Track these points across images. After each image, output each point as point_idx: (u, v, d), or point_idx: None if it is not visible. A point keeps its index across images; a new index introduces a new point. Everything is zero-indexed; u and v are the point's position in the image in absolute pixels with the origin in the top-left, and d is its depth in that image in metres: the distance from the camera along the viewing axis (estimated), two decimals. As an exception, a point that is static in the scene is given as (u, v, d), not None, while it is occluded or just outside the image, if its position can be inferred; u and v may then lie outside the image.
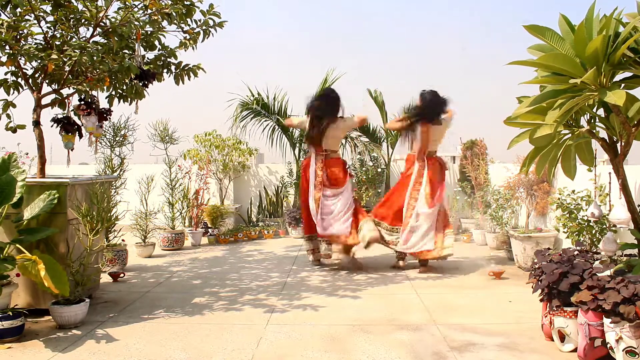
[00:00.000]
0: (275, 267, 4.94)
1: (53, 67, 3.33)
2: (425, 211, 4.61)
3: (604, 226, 3.53)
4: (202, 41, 4.05)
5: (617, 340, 2.27)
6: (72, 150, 3.95)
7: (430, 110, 4.73)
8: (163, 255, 5.62)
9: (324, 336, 2.94)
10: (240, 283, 4.29)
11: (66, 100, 3.90)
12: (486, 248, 5.99)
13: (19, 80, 3.63)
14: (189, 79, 4.15)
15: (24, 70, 3.53)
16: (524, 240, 4.60)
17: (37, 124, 3.57)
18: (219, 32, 4.07)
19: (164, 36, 3.97)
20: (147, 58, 3.98)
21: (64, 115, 3.91)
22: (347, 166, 5.13)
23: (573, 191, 3.90)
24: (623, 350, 2.25)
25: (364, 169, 7.26)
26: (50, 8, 3.40)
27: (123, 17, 3.44)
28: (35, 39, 3.52)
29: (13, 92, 3.65)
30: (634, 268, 2.56)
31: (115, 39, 3.46)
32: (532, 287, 2.85)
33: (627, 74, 2.57)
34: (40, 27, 3.44)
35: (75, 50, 3.24)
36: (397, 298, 3.80)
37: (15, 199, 2.96)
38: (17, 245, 2.94)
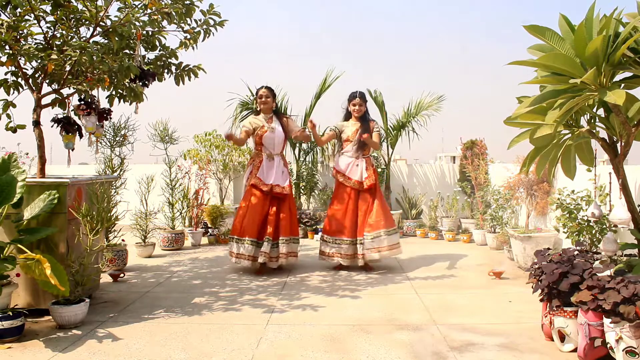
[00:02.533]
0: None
1: (53, 67, 3.33)
2: None
3: (604, 226, 3.53)
4: (203, 41, 4.05)
5: (617, 340, 2.27)
6: (72, 150, 3.95)
7: None
8: (163, 255, 5.62)
9: (324, 336, 2.94)
10: (240, 283, 4.29)
11: (66, 100, 3.90)
12: (486, 248, 5.99)
13: (19, 80, 3.63)
14: (189, 79, 4.15)
15: (24, 70, 3.52)
16: (524, 240, 4.60)
17: (37, 124, 3.57)
18: (219, 32, 4.08)
19: (165, 37, 3.97)
20: (148, 58, 3.98)
21: (64, 115, 3.91)
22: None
23: (573, 191, 3.90)
24: (623, 350, 2.25)
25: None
26: (50, 8, 3.39)
27: (124, 17, 3.44)
28: (35, 39, 3.52)
29: (13, 92, 3.65)
30: (634, 268, 2.56)
31: (116, 39, 3.45)
32: (532, 287, 2.85)
33: (627, 74, 2.57)
34: (40, 27, 3.43)
35: (75, 50, 3.23)
36: (397, 298, 3.80)
37: (15, 199, 2.96)
38: (19, 245, 2.94)
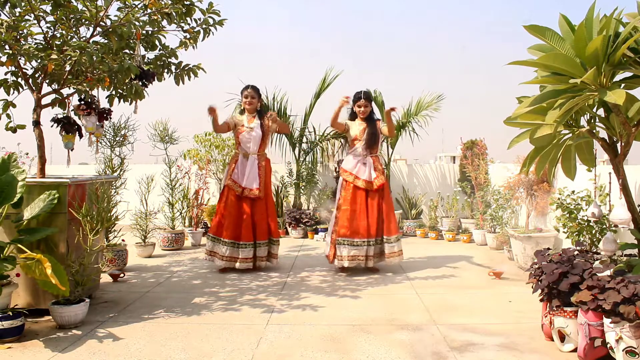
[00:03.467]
0: (274, 266, 4.94)
1: (53, 67, 3.33)
2: None
3: (604, 226, 3.53)
4: (203, 40, 4.05)
5: (617, 340, 2.27)
6: (72, 150, 3.95)
7: None
8: (163, 255, 5.62)
9: (324, 336, 2.94)
10: (240, 283, 4.29)
11: (66, 100, 3.90)
12: (486, 248, 5.99)
13: (19, 80, 3.63)
14: (189, 79, 4.15)
15: (24, 70, 3.52)
16: (524, 240, 4.60)
17: (37, 124, 3.57)
18: (219, 32, 4.08)
19: (164, 37, 3.97)
20: (148, 58, 3.98)
21: (64, 115, 3.91)
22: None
23: (573, 191, 3.90)
24: (623, 350, 2.25)
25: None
26: (50, 8, 3.39)
27: (123, 17, 3.44)
28: (35, 39, 3.52)
29: (13, 92, 3.65)
30: (634, 268, 2.56)
31: (115, 39, 3.45)
32: (532, 287, 2.85)
33: (627, 74, 2.57)
34: (40, 27, 3.43)
35: (75, 50, 3.23)
36: (397, 298, 3.80)
37: (15, 199, 2.96)
38: (19, 245, 2.94)
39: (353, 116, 4.88)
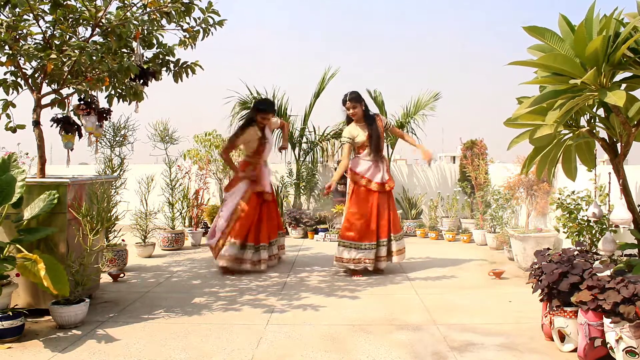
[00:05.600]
0: (274, 266, 4.94)
1: (52, 67, 3.33)
2: None
3: (604, 226, 3.53)
4: (202, 39, 4.05)
5: (617, 340, 2.27)
6: (72, 150, 3.95)
7: None
8: (163, 255, 5.62)
9: (324, 336, 2.94)
10: (240, 283, 4.29)
11: (66, 100, 3.90)
12: (486, 248, 5.99)
13: (19, 80, 3.63)
14: (187, 76, 4.15)
15: (24, 70, 3.52)
16: (524, 240, 4.60)
17: (37, 124, 3.57)
18: (219, 31, 4.08)
19: (162, 35, 3.97)
20: (146, 57, 3.98)
21: (64, 115, 3.91)
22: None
23: (573, 191, 3.90)
24: (623, 350, 2.25)
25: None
26: (49, 8, 3.39)
27: (122, 17, 3.44)
28: (35, 39, 3.52)
29: (13, 92, 3.65)
30: (634, 268, 2.56)
31: (114, 38, 3.45)
32: (532, 287, 2.85)
33: (627, 74, 2.57)
34: (40, 26, 3.43)
35: (75, 50, 3.23)
36: (397, 298, 3.80)
37: (15, 199, 2.96)
38: (17, 245, 2.94)
39: (349, 120, 4.76)
